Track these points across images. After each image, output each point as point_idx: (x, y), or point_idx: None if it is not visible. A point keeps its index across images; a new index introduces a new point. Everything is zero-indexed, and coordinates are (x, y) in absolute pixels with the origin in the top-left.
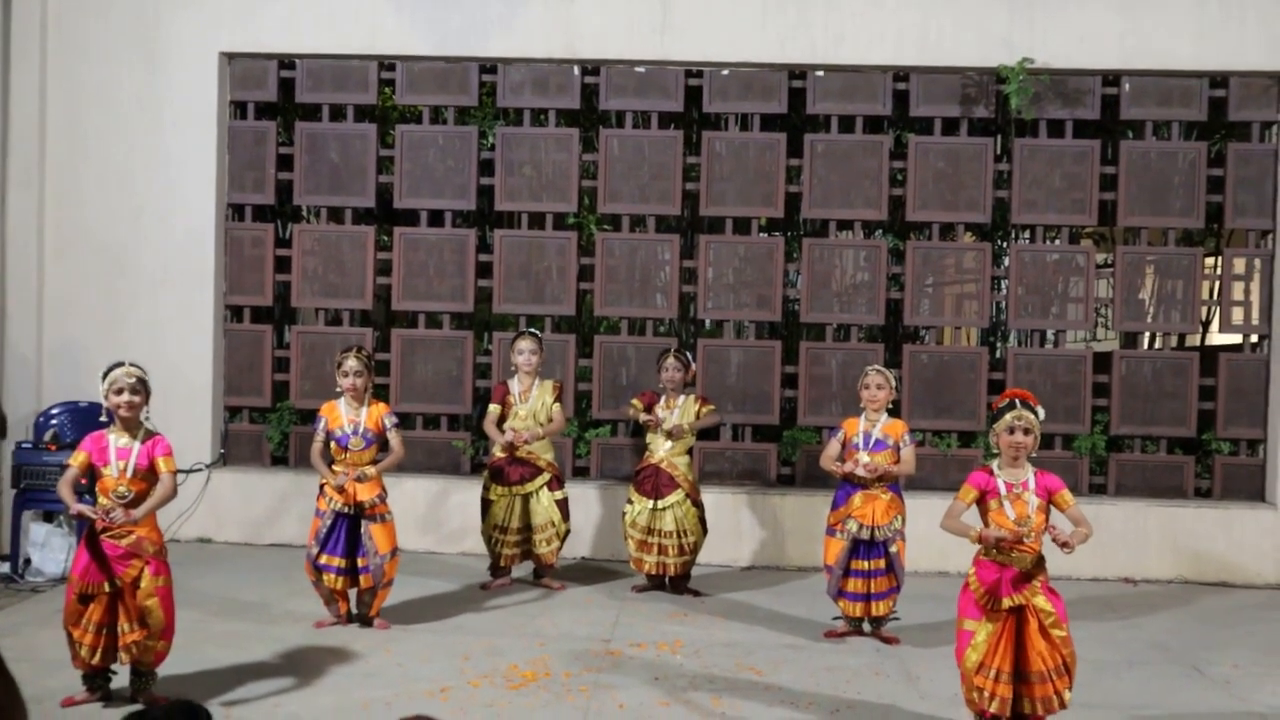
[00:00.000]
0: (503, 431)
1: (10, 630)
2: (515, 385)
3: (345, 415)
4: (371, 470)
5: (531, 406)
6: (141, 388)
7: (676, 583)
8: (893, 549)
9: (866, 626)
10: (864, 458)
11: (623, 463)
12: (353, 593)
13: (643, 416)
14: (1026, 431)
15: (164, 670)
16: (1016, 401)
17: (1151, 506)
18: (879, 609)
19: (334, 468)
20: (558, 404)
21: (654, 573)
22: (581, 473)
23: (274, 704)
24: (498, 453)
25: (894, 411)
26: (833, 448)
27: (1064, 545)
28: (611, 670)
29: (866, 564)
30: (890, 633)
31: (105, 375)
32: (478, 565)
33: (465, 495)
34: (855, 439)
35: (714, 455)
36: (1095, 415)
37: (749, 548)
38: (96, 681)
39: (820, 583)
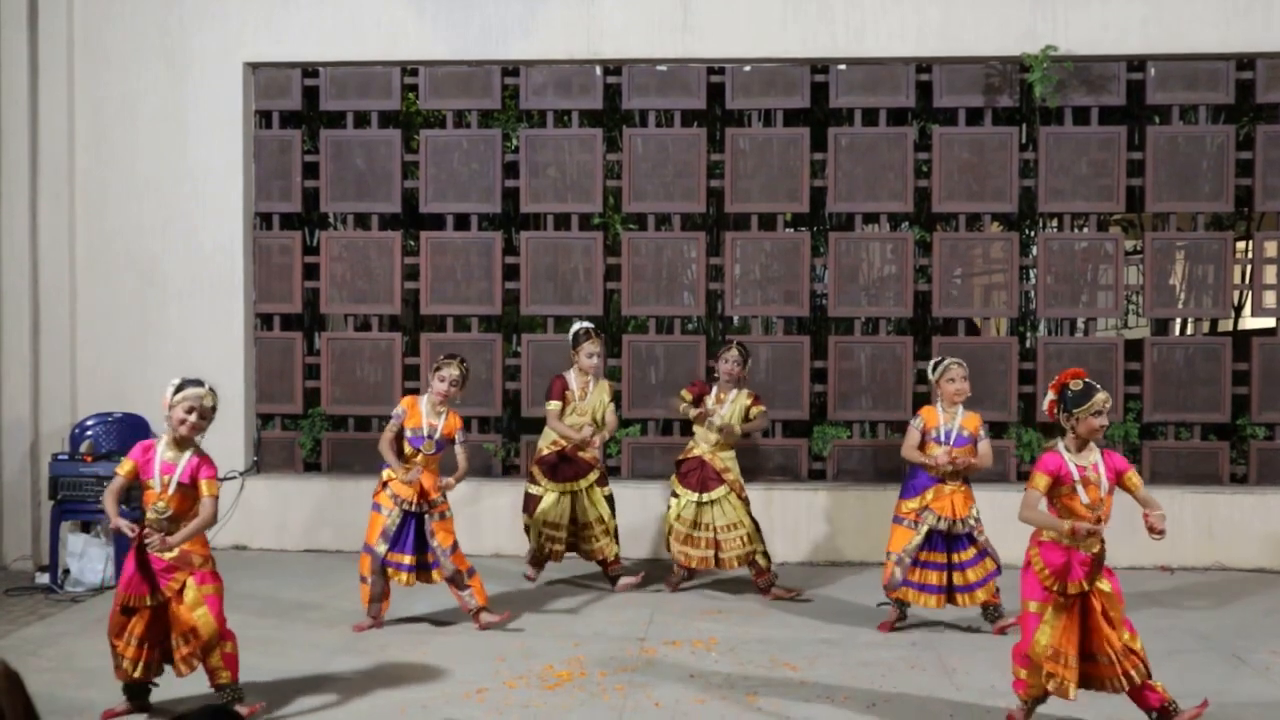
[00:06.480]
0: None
1: (51, 640)
2: (573, 381)
3: (425, 417)
4: (452, 481)
5: (590, 404)
6: (212, 415)
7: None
8: (980, 537)
9: (965, 615)
10: (942, 455)
11: (653, 462)
12: (438, 588)
13: (693, 412)
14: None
15: (198, 675)
16: (1096, 385)
17: (1187, 493)
18: (975, 598)
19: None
20: (611, 405)
21: (698, 567)
22: (612, 472)
23: (311, 707)
24: (551, 448)
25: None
26: (913, 436)
27: (1159, 533)
28: (646, 669)
29: (957, 556)
30: (1005, 622)
31: (178, 390)
32: (510, 567)
33: (497, 498)
34: (935, 431)
35: (745, 452)
36: (1128, 403)
37: (781, 544)
38: (137, 693)
39: (853, 577)
